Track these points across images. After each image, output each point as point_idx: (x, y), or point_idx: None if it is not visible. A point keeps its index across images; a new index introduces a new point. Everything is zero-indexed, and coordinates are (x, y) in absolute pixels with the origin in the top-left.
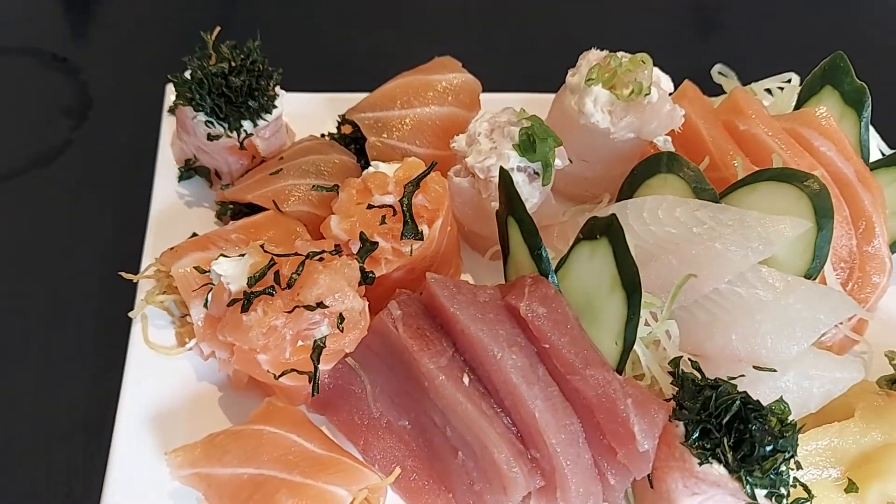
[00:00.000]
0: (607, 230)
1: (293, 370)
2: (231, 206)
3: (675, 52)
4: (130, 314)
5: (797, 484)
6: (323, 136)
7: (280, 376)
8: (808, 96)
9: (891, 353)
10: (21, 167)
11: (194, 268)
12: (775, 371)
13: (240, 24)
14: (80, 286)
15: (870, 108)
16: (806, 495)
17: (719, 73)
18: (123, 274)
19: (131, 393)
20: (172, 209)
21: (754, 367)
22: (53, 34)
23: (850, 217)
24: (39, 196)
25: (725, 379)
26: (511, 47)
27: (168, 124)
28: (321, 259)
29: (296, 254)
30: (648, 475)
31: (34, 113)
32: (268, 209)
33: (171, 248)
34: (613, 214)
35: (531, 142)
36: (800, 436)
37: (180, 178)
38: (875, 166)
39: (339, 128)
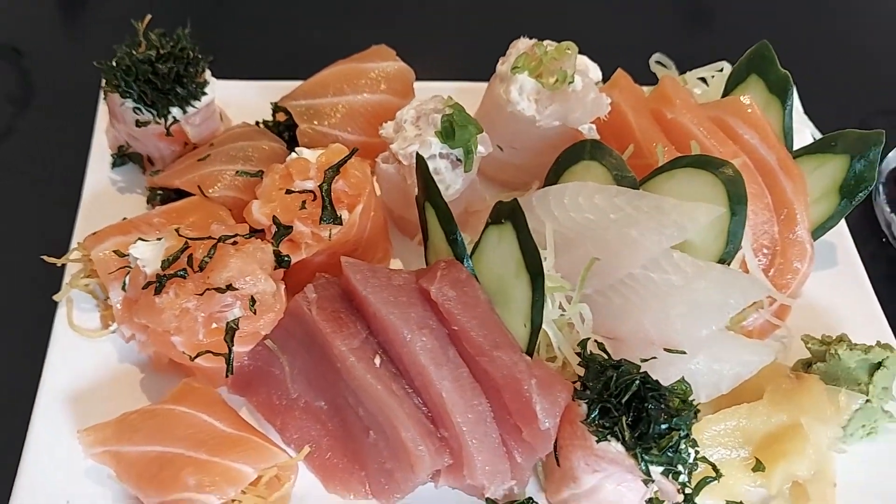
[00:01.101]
0: (511, 215)
1: (208, 352)
2: (160, 192)
3: (650, 44)
4: (55, 297)
5: (705, 463)
6: (258, 123)
7: (195, 358)
8: (735, 85)
9: (806, 337)
10: None
11: (114, 251)
12: (685, 353)
13: (178, 12)
14: (11, 270)
15: (794, 97)
16: (714, 474)
17: (657, 62)
18: (46, 258)
19: (52, 373)
20: (105, 195)
21: (665, 349)
22: None
23: (773, 204)
24: None
25: (637, 362)
26: (452, 37)
27: (104, 112)
28: (234, 243)
29: (209, 238)
30: (556, 454)
31: None
32: (195, 194)
33: (94, 233)
34: (515, 199)
35: (452, 129)
36: (709, 417)
37: (113, 165)
38: (799, 154)
39: (273, 115)
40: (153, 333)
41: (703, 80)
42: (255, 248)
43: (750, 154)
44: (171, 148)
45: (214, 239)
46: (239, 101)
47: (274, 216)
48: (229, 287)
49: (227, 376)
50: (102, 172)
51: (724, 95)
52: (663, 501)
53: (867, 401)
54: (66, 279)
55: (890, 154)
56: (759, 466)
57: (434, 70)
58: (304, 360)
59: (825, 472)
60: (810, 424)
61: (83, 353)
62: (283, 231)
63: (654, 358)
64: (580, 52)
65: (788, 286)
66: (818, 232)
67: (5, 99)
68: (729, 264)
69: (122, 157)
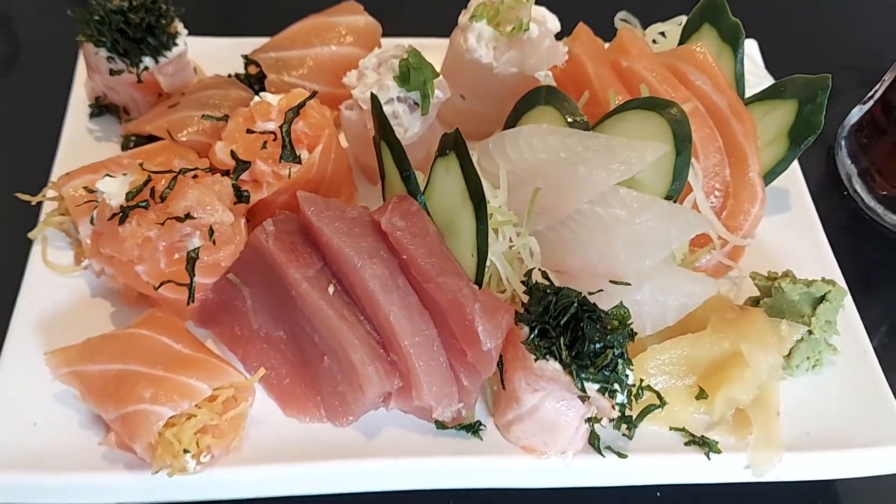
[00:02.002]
0: (454, 144)
1: (171, 281)
2: (134, 139)
3: None
4: (30, 234)
5: (650, 391)
6: (230, 76)
7: (159, 287)
8: (689, 34)
9: (754, 273)
10: None
11: (83, 188)
12: (630, 285)
13: None
14: None
15: (744, 45)
16: (658, 402)
17: (621, 20)
18: (19, 195)
19: (25, 306)
20: (82, 143)
21: (611, 281)
22: None
23: (724, 148)
24: None
25: (586, 295)
26: None
27: (83, 65)
28: (195, 177)
29: (171, 171)
30: (501, 377)
31: None
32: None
33: (67, 173)
34: (457, 129)
35: (408, 72)
36: (654, 346)
37: (91, 115)
38: (750, 100)
39: (246, 68)
40: (118, 264)
41: (663, 34)
42: (214, 181)
43: (701, 99)
44: (145, 98)
45: (176, 172)
46: (215, 56)
47: (232, 151)
48: (188, 216)
49: (188, 304)
50: (80, 122)
51: (679, 44)
52: (601, 420)
53: (809, 332)
54: (42, 218)
55: (854, 109)
56: (702, 394)
57: (404, 27)
58: (264, 292)
59: (768, 400)
60: (750, 352)
61: (56, 289)
62: (242, 166)
63: (602, 290)
64: (541, 5)
65: (741, 227)
66: (770, 176)
67: None
68: (676, 201)
69: (100, 107)
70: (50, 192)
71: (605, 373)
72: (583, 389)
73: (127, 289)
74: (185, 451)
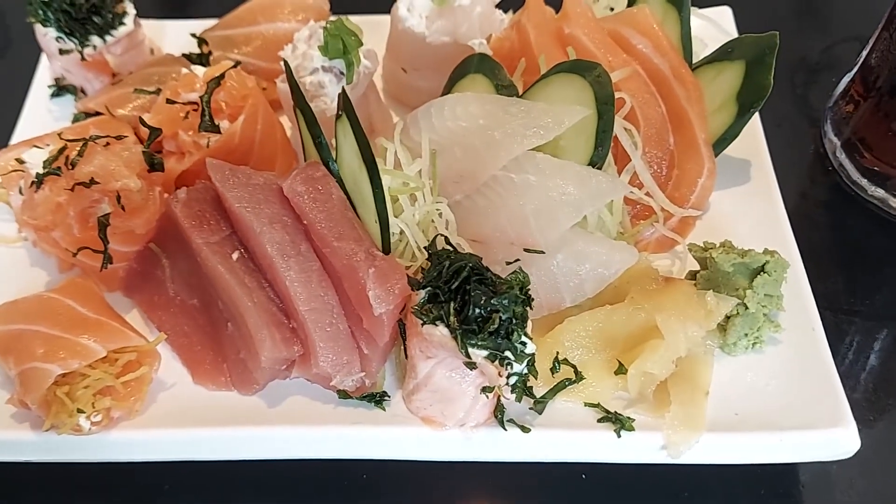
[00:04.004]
0: (345, 105)
1: (87, 248)
2: (85, 117)
3: None
4: None
5: (566, 365)
6: (184, 56)
7: (76, 253)
8: None
9: (691, 245)
10: None
11: (15, 159)
12: (543, 253)
13: None
14: None
15: (689, 7)
16: (573, 376)
17: None
18: None
19: None
20: (40, 122)
21: (525, 250)
22: None
23: (668, 114)
24: None
25: (503, 265)
26: None
27: None
28: (107, 145)
29: (83, 139)
30: (405, 347)
31: None
32: None
33: (5, 147)
34: (344, 90)
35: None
36: (571, 318)
37: (52, 95)
38: (699, 64)
39: (200, 47)
40: (39, 231)
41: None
42: (123, 148)
43: (643, 63)
44: (99, 78)
45: (86, 139)
46: (174, 38)
47: (140, 118)
48: (93, 181)
49: (101, 270)
50: (42, 102)
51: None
52: (500, 391)
53: (741, 304)
54: None
55: (843, 80)
56: (621, 369)
57: (357, 4)
58: (181, 261)
59: (692, 378)
60: (665, 323)
61: None
62: (153, 133)
63: (518, 260)
64: None
65: (687, 199)
66: (721, 144)
67: None
68: (600, 167)
69: (60, 88)
70: None
71: (497, 340)
72: (467, 355)
73: (60, 259)
74: (80, 411)
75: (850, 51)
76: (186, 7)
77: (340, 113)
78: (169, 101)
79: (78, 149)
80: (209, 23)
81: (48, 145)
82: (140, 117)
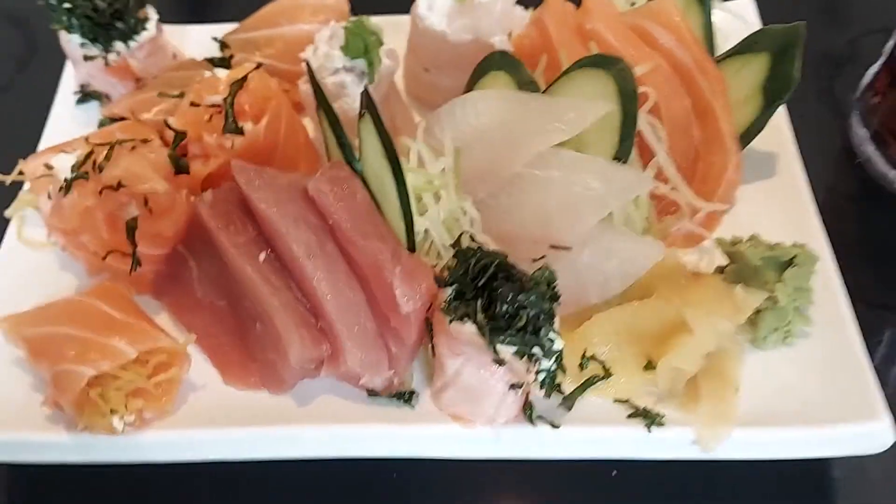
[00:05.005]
0: (368, 104)
1: (116, 251)
2: (111, 122)
3: None
4: (6, 213)
5: (595, 361)
6: (207, 60)
7: (105, 257)
8: None
9: (719, 239)
10: None
11: (44, 165)
12: (569, 249)
13: None
14: None
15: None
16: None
17: None
18: None
19: None
20: (67, 128)
21: (550, 246)
22: None
23: (692, 107)
24: None
25: (529, 262)
26: None
27: None
28: (133, 148)
29: (109, 143)
30: (433, 345)
31: None
32: None
33: (34, 153)
34: (366, 88)
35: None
36: (599, 315)
37: (78, 102)
38: (723, 56)
39: (221, 51)
40: (68, 235)
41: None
42: (149, 151)
43: (666, 57)
44: (124, 84)
45: (113, 143)
46: (197, 42)
47: (165, 121)
48: (120, 185)
49: (130, 273)
50: (68, 109)
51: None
52: (529, 388)
53: (770, 298)
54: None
55: (869, 70)
56: (650, 366)
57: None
58: (208, 263)
59: (722, 373)
60: (694, 318)
61: (29, 263)
62: (178, 136)
63: (543, 257)
64: None
65: (713, 193)
66: (747, 137)
67: (11, 57)
68: (625, 162)
69: (85, 94)
70: (17, 172)
71: (525, 336)
72: (496, 352)
73: (89, 262)
74: (113, 412)
75: (877, 42)
76: (204, 11)
77: (363, 112)
78: (193, 105)
79: (105, 153)
80: (230, 26)
81: (76, 150)
82: (165, 121)
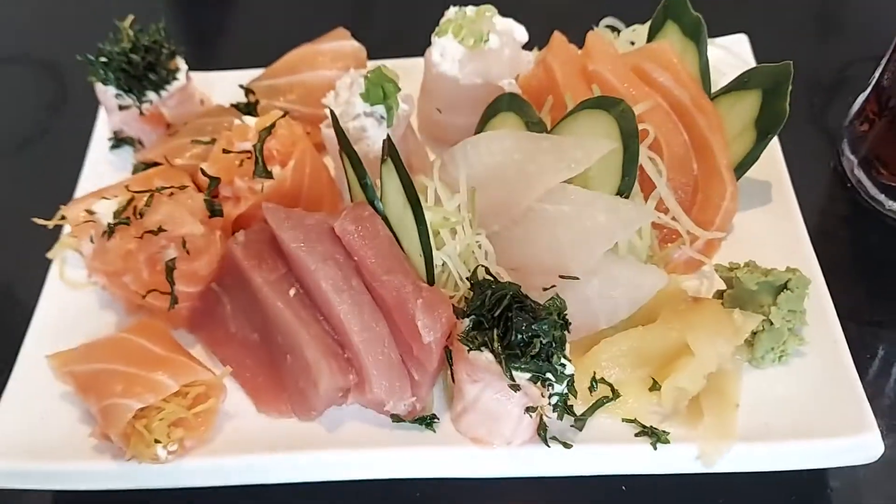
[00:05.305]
0: (390, 150)
1: (155, 290)
2: (143, 167)
3: None
4: (48, 254)
5: (603, 384)
6: (232, 105)
7: (146, 296)
8: (655, 33)
9: (717, 265)
10: (1, 153)
11: (85, 210)
12: (578, 279)
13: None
14: (24, 239)
15: (706, 40)
16: (611, 395)
17: (606, 26)
18: (36, 220)
19: (42, 316)
20: (101, 173)
21: (560, 276)
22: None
23: (691, 142)
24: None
25: (540, 291)
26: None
27: None
28: (171, 194)
29: (149, 190)
30: (452, 372)
31: (20, 110)
32: None
33: (74, 199)
34: (388, 135)
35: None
36: (607, 339)
37: (111, 148)
38: (717, 94)
39: (247, 97)
40: (110, 276)
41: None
42: (186, 197)
43: (665, 96)
44: (155, 130)
45: (153, 190)
46: (221, 88)
47: (202, 168)
48: (160, 229)
49: (168, 310)
50: (102, 154)
51: (648, 42)
52: (544, 410)
53: (766, 321)
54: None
55: (857, 98)
56: (655, 386)
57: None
58: (241, 298)
59: (722, 391)
60: (695, 341)
61: (70, 302)
62: (213, 182)
63: (554, 286)
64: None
65: (712, 222)
66: (741, 168)
67: (45, 105)
68: (627, 196)
69: (118, 140)
70: (59, 217)
71: (538, 362)
72: (512, 378)
73: (128, 301)
74: (157, 442)
75: (865, 71)
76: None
77: (386, 157)
78: (225, 151)
79: (145, 199)
80: (253, 72)
81: (115, 196)
82: (201, 168)
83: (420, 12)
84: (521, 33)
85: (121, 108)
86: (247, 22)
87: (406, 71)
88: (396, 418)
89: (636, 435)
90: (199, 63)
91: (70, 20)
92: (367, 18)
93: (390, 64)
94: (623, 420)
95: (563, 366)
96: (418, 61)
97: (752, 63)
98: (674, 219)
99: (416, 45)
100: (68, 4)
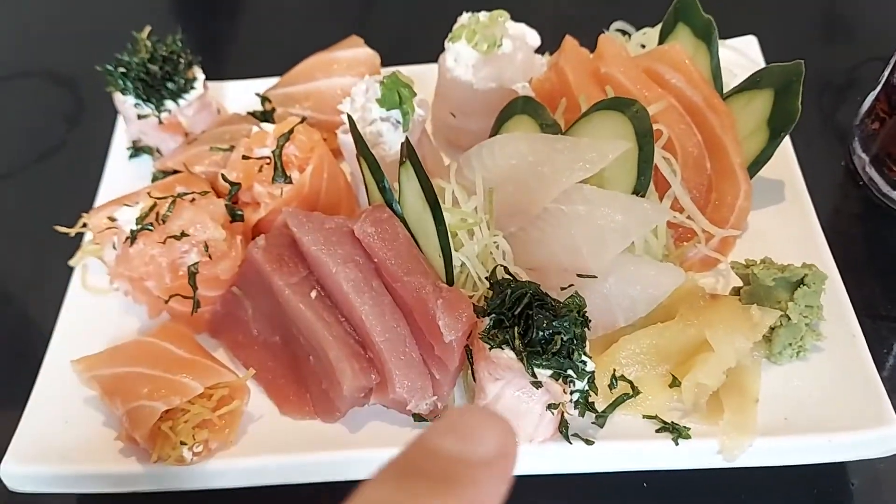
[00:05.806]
0: (409, 153)
1: (178, 294)
2: (163, 175)
3: None
4: (70, 262)
5: (624, 381)
6: (248, 113)
7: (168, 300)
8: (666, 35)
9: (733, 262)
10: (22, 164)
11: (107, 217)
12: (596, 277)
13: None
14: (46, 246)
15: (717, 41)
16: (631, 391)
17: (617, 29)
18: (58, 227)
19: (66, 322)
20: (121, 181)
21: (578, 275)
22: (56, 55)
23: (704, 142)
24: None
25: (558, 290)
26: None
27: None
28: (193, 200)
29: (171, 196)
30: (472, 371)
31: (39, 121)
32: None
33: (96, 207)
34: (407, 138)
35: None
36: (626, 337)
37: (130, 157)
38: (730, 94)
39: (263, 105)
40: (133, 281)
41: (643, 45)
42: (208, 202)
43: (677, 97)
44: (174, 139)
45: (174, 196)
46: (237, 97)
47: (222, 174)
48: (183, 234)
49: (192, 314)
50: (121, 163)
51: (659, 45)
52: (566, 407)
53: (783, 316)
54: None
55: (868, 97)
56: (675, 382)
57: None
58: (262, 302)
59: (742, 386)
60: (714, 337)
61: (93, 307)
62: (233, 188)
63: (572, 285)
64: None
65: (727, 220)
66: (755, 167)
67: (64, 117)
68: (643, 195)
69: (137, 149)
70: (81, 224)
71: (559, 359)
72: (534, 375)
73: (150, 306)
74: (182, 444)
75: (874, 70)
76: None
77: (404, 160)
78: (244, 157)
79: (167, 205)
80: (269, 81)
81: (137, 203)
82: (222, 174)
83: (428, 20)
84: (533, 37)
85: (139, 117)
86: (257, 32)
87: (419, 77)
88: (418, 418)
89: (657, 431)
90: (211, 73)
91: (85, 34)
92: (377, 26)
93: (403, 70)
94: (644, 417)
95: (584, 362)
96: (430, 67)
97: (762, 64)
98: (689, 217)
99: (426, 53)
100: (83, 19)
